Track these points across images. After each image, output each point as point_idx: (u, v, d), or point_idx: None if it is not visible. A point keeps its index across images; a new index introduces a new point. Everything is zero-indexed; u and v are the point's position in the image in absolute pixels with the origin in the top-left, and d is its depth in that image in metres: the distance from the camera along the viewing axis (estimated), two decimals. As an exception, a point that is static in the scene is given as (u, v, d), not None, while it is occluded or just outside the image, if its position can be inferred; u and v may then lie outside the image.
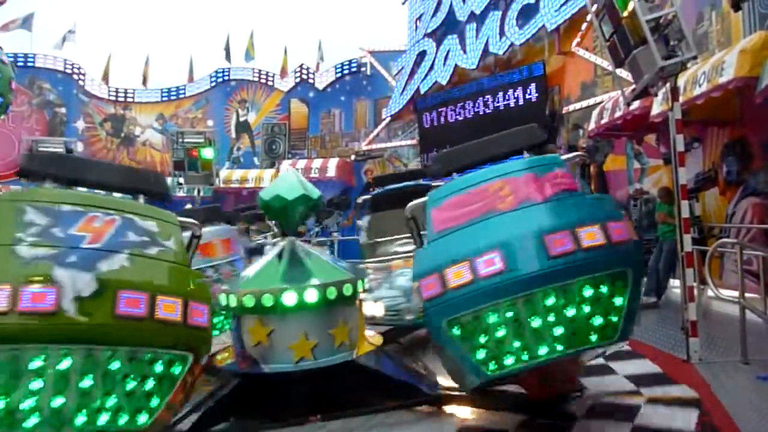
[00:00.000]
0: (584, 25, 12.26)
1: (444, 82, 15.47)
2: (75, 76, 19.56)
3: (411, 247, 4.10)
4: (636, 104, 7.73)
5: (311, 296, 3.53)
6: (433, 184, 5.17)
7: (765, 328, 5.17)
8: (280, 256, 3.85)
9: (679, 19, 4.72)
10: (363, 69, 18.52)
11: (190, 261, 3.11)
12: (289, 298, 3.50)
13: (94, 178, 3.33)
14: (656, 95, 6.15)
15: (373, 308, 5.26)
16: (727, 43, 8.52)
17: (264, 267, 3.85)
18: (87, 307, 2.52)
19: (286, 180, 4.04)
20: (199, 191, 13.53)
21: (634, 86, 5.57)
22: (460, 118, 15.23)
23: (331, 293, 3.56)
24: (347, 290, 3.65)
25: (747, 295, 5.16)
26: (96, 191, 3.29)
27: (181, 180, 13.87)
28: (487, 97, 14.53)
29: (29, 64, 19.09)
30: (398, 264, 5.73)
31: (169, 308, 2.75)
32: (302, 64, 19.44)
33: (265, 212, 4.39)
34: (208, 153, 13.00)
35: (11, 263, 2.50)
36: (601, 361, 4.73)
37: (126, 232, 2.89)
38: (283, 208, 3.93)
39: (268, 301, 3.47)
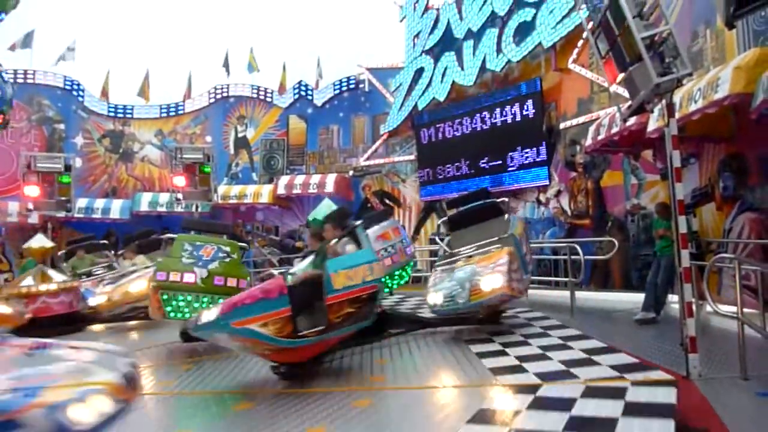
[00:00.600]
0: (580, 42, 12.37)
1: (442, 99, 15.57)
2: (74, 93, 19.65)
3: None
4: (632, 120, 7.79)
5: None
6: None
7: (764, 343, 5.16)
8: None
9: (673, 37, 4.77)
10: (361, 85, 18.62)
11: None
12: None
13: (208, 230, 8.95)
14: (652, 111, 6.21)
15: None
16: (721, 59, 8.60)
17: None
18: (205, 282, 7.36)
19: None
20: (197, 207, 13.53)
21: (630, 102, 5.62)
22: (458, 134, 15.30)
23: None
24: None
25: (745, 310, 5.15)
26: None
27: (180, 196, 13.88)
28: (484, 113, 14.61)
29: (29, 80, 19.19)
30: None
31: (232, 282, 7.49)
32: (301, 81, 19.56)
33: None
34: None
35: (180, 265, 7.40)
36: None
37: (218, 251, 7.71)
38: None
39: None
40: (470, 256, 7.70)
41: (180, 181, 13.01)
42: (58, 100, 19.42)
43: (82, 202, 17.66)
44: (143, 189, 19.38)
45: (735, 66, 6.54)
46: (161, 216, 17.87)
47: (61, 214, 14.26)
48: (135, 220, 17.55)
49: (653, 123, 7.75)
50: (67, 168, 13.43)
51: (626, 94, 5.53)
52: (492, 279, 6.89)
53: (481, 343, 6.74)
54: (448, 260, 8.12)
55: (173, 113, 20.25)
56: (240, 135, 19.73)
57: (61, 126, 19.36)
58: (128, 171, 19.86)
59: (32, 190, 12.91)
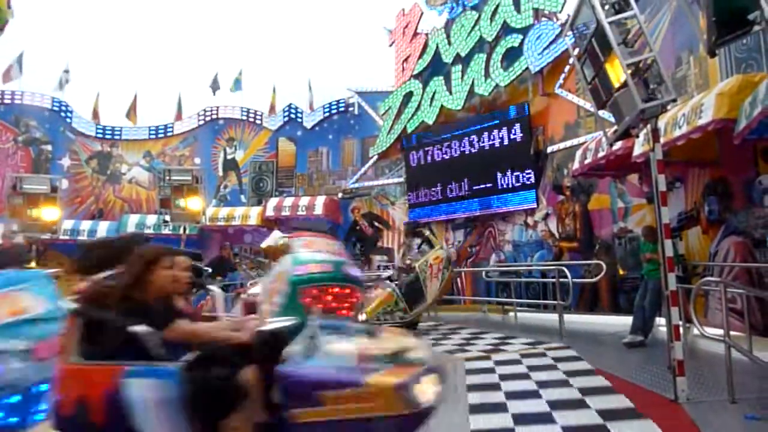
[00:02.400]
0: (567, 68, 12.56)
1: (430, 122, 15.70)
2: (62, 114, 19.58)
3: None
4: (618, 145, 7.88)
5: None
6: None
7: (751, 366, 5.18)
8: None
9: (657, 63, 4.86)
10: (351, 108, 18.75)
11: None
12: None
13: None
14: (638, 136, 6.30)
15: None
16: (705, 86, 8.78)
17: None
18: None
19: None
20: (185, 229, 13.47)
21: (615, 127, 5.70)
22: (447, 157, 15.40)
23: None
24: None
25: (732, 333, 5.18)
26: None
27: (167, 218, 13.82)
28: (472, 136, 14.75)
29: (16, 101, 19.11)
30: None
31: None
32: (291, 104, 19.65)
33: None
34: (194, 204, 13.07)
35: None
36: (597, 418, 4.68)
37: None
38: None
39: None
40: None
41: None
42: (45, 121, 19.34)
43: (68, 224, 17.46)
44: (130, 211, 19.24)
45: (718, 92, 6.67)
46: (148, 238, 17.72)
47: (47, 236, 14.11)
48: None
49: (639, 147, 7.85)
50: (54, 189, 13.36)
51: (612, 119, 5.60)
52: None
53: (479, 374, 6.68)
54: None
55: (162, 135, 20.21)
56: (229, 157, 19.72)
57: (48, 147, 19.25)
58: (115, 193, 19.73)
59: (18, 212, 12.80)
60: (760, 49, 7.75)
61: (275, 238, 8.07)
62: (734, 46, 8.01)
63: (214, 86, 20.48)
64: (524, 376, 6.29)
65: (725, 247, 8.40)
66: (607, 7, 5.04)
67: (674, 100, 5.02)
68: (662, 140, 6.24)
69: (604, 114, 5.97)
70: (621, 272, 10.72)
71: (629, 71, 4.78)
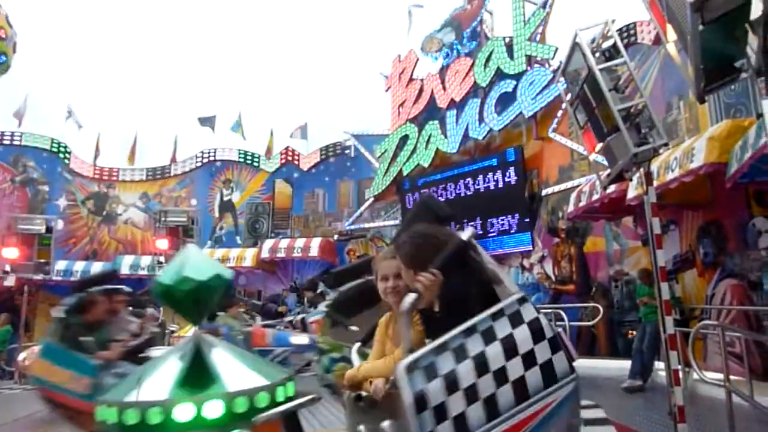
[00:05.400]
0: (560, 112, 12.77)
1: (426, 165, 15.85)
2: (61, 155, 19.70)
3: None
4: (612, 188, 7.95)
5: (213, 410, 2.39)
6: None
7: (752, 411, 5.10)
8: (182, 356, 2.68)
9: (648, 109, 4.96)
10: (347, 151, 18.95)
11: None
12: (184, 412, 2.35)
13: None
14: (631, 179, 6.36)
15: None
16: (695, 130, 8.93)
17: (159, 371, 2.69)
18: None
19: (189, 257, 2.80)
20: (179, 270, 13.37)
21: (609, 171, 5.76)
22: (442, 200, 15.46)
23: (240, 406, 2.42)
24: (262, 401, 2.49)
25: (732, 377, 5.12)
26: None
27: (162, 259, 13.75)
28: (467, 179, 14.87)
29: (15, 142, 19.25)
30: None
31: None
32: (288, 146, 19.86)
33: (162, 299, 2.92)
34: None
35: None
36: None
37: None
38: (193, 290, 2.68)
39: (155, 416, 2.34)
40: None
41: (163, 244, 12.92)
42: (43, 161, 19.45)
43: (61, 265, 17.36)
44: (125, 252, 19.16)
45: (709, 137, 6.79)
46: (142, 279, 17.57)
47: (39, 277, 13.99)
48: (115, 284, 17.18)
49: (632, 191, 7.93)
50: (48, 230, 13.32)
51: (605, 162, 5.67)
52: None
53: None
54: None
55: (159, 176, 20.32)
56: (225, 198, 19.78)
57: (45, 187, 19.30)
58: (110, 233, 19.69)
59: (11, 252, 12.71)
60: (748, 95, 7.92)
61: None
62: (723, 92, 8.19)
63: (210, 124, 20.65)
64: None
65: (722, 290, 8.39)
66: (597, 54, 5.17)
67: (666, 145, 5.09)
68: (655, 183, 6.31)
69: (598, 157, 6.05)
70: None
71: (621, 116, 4.87)
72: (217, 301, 2.93)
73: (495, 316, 1.95)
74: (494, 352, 1.89)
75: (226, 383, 2.47)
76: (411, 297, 2.08)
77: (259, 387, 2.50)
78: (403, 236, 2.51)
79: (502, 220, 13.85)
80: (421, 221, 2.70)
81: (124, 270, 17.79)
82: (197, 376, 2.53)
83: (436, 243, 2.30)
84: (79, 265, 17.95)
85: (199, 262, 2.78)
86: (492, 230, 14.03)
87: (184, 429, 2.32)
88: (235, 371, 2.62)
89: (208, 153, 20.28)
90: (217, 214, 19.64)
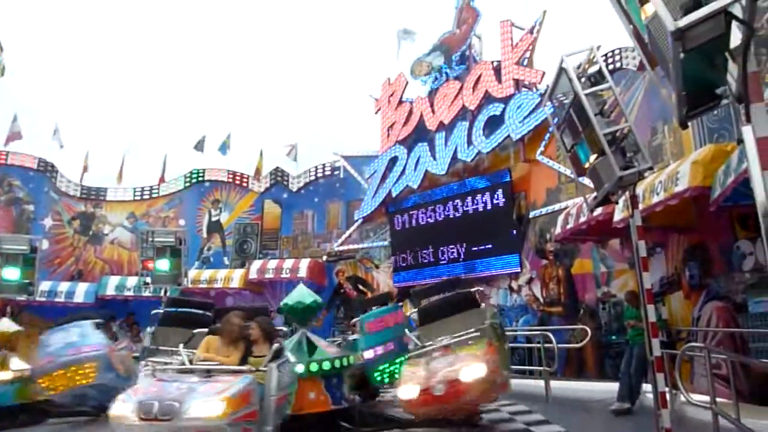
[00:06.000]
0: (547, 135, 12.94)
1: (415, 186, 15.92)
2: (47, 174, 19.56)
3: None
4: (599, 210, 8.03)
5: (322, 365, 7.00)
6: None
7: (739, 434, 5.10)
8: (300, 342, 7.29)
9: (633, 133, 5.04)
10: (336, 172, 18.99)
11: None
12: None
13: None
14: (617, 203, 6.43)
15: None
16: (680, 154, 9.07)
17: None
18: None
19: (301, 290, 7.81)
20: (166, 291, 13.25)
21: (596, 193, 5.83)
22: (431, 221, 15.54)
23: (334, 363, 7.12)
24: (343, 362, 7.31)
25: (718, 399, 5.14)
26: None
27: (148, 279, 13.61)
28: (456, 201, 14.95)
29: (0, 160, 19.07)
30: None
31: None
32: (277, 167, 19.87)
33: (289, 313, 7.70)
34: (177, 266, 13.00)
35: None
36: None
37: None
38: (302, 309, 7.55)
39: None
40: (447, 347, 6.91)
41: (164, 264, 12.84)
42: (30, 180, 19.28)
43: (45, 285, 17.11)
44: (111, 272, 18.96)
45: (693, 161, 6.90)
46: (128, 300, 17.38)
47: (23, 297, 13.77)
48: (100, 304, 17.00)
49: (619, 213, 8.01)
50: (33, 250, 13.13)
51: (592, 185, 5.74)
52: (473, 369, 6.13)
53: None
54: (420, 353, 7.26)
55: (147, 196, 20.21)
56: (214, 219, 19.69)
57: (31, 207, 19.10)
58: (96, 253, 19.48)
59: (11, 273, 12.52)
60: (730, 120, 8.08)
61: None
62: (706, 117, 8.35)
63: (200, 147, 20.67)
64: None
65: (708, 312, 8.45)
66: (583, 79, 5.26)
67: (651, 168, 5.17)
68: (641, 206, 6.39)
69: (585, 180, 6.12)
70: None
71: (606, 140, 4.94)
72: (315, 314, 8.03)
73: None
74: None
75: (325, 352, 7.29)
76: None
77: (339, 355, 7.38)
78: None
79: (491, 241, 13.91)
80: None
81: (110, 291, 17.59)
82: (311, 349, 7.21)
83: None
84: (63, 286, 17.72)
85: (305, 293, 7.76)
86: (480, 252, 14.07)
87: (311, 373, 6.81)
88: (326, 347, 7.56)
89: (197, 173, 20.23)
90: (205, 235, 19.52)
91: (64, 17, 39.09)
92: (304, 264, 17.03)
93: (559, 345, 9.67)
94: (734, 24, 2.49)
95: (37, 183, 19.35)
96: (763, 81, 7.35)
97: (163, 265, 12.93)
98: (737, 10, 2.46)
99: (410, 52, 17.39)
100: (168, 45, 43.28)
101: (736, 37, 2.57)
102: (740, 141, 2.72)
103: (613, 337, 9.65)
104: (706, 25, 2.46)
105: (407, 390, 6.52)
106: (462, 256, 14.55)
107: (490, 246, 13.91)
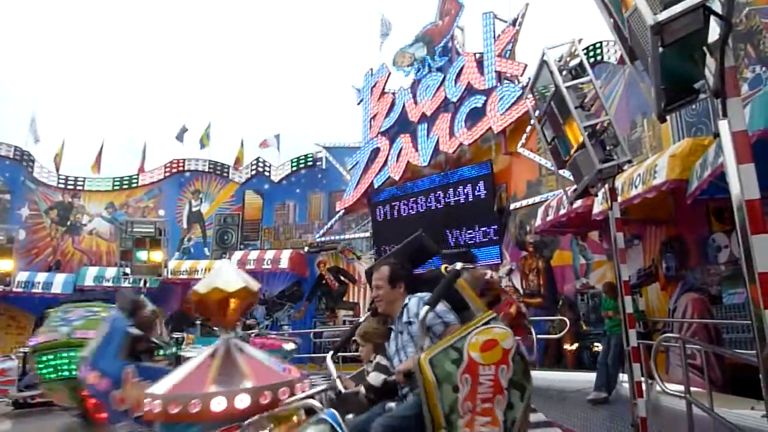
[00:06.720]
0: (528, 128, 13.00)
1: (397, 178, 15.93)
2: (24, 163, 19.20)
3: None
4: (578, 203, 8.11)
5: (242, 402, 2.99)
6: None
7: (712, 423, 5.22)
8: (212, 355, 3.31)
9: (613, 126, 5.08)
10: (318, 163, 18.92)
11: None
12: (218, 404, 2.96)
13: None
14: (596, 195, 6.49)
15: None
16: (658, 147, 9.19)
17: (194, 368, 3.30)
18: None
19: (225, 272, 3.55)
20: (145, 282, 13.13)
21: (575, 186, 5.88)
22: (413, 213, 15.56)
23: (265, 398, 3.05)
24: (283, 394, 3.13)
25: (693, 389, 5.24)
26: None
27: (128, 270, 13.48)
28: (438, 192, 14.99)
29: (-25, 150, 18.71)
30: None
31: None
32: (259, 157, 19.73)
33: (198, 308, 3.63)
34: (157, 256, 12.88)
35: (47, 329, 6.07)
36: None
37: (86, 312, 7.54)
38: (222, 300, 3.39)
39: (195, 407, 2.95)
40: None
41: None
42: (5, 170, 18.93)
43: (22, 276, 16.86)
44: (89, 263, 18.71)
45: (670, 154, 6.99)
46: (107, 290, 17.18)
47: (-1, 288, 13.56)
48: (78, 296, 16.78)
49: (598, 206, 8.09)
50: (10, 240, 12.93)
51: (572, 177, 5.79)
52: None
53: None
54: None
55: (126, 186, 19.95)
56: (194, 209, 19.52)
57: (7, 197, 18.76)
58: (75, 244, 19.21)
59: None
60: (708, 114, 8.20)
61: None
62: (684, 112, 8.46)
63: (181, 137, 20.47)
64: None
65: (683, 304, 8.60)
66: (564, 72, 5.28)
67: (630, 161, 5.22)
68: (620, 199, 6.46)
69: (565, 173, 6.17)
70: (584, 327, 10.82)
71: (586, 133, 4.98)
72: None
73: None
74: None
75: (253, 379, 3.12)
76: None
77: (280, 383, 3.15)
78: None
79: (471, 233, 13.98)
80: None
81: (89, 281, 17.38)
82: (229, 373, 3.17)
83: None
84: (41, 277, 17.46)
85: (230, 276, 3.49)
86: (461, 243, 14.14)
87: (218, 418, 2.90)
88: (260, 370, 3.26)
89: (177, 163, 20.00)
90: (185, 225, 19.35)
91: (43, 6, 38.28)
92: (286, 255, 16.99)
93: (539, 336, 9.77)
94: (712, 19, 2.51)
95: (13, 172, 19.00)
96: (741, 76, 7.47)
97: (143, 255, 12.81)
98: (716, 6, 2.49)
99: (393, 43, 17.36)
100: (148, 34, 42.63)
101: (714, 32, 2.60)
102: (717, 135, 2.76)
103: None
104: (684, 20, 2.49)
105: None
106: (443, 247, 14.59)
107: (471, 237, 13.99)
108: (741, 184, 2.49)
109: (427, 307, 2.77)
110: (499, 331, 2.74)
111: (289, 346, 11.23)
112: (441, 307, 2.97)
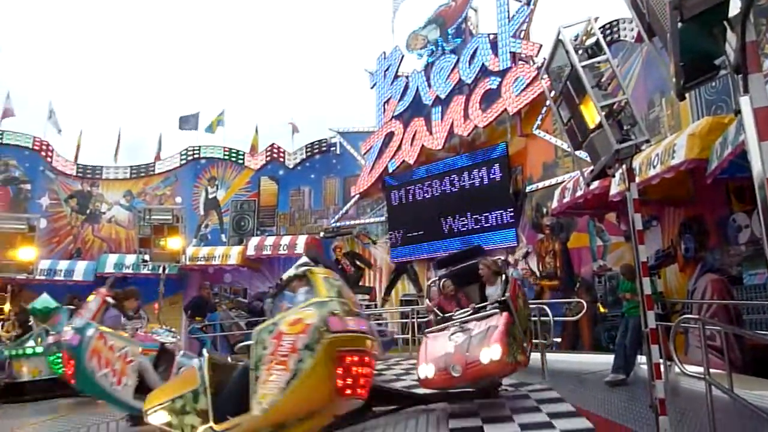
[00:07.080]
0: (544, 109, 12.87)
1: (411, 162, 15.87)
2: (43, 153, 19.43)
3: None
4: (595, 184, 8.03)
5: None
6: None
7: (732, 404, 5.18)
8: None
9: (630, 106, 5.01)
10: (333, 148, 18.90)
11: None
12: None
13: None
14: (614, 176, 6.42)
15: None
16: (677, 126, 9.04)
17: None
18: None
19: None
20: (164, 268, 13.29)
21: (592, 167, 5.82)
22: (428, 196, 15.52)
23: None
24: None
25: (712, 370, 5.20)
26: None
27: (147, 257, 13.65)
28: (453, 176, 14.92)
29: (-5, 140, 18.94)
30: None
31: None
32: (273, 143, 19.76)
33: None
34: (175, 243, 13.02)
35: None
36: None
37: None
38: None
39: None
40: (465, 323, 6.86)
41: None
42: (25, 160, 19.16)
43: (44, 264, 17.14)
44: (109, 250, 18.97)
45: (689, 133, 6.88)
46: (127, 278, 17.43)
47: (22, 276, 13.81)
48: (99, 282, 17.04)
49: (615, 187, 8.01)
50: (32, 229, 13.14)
51: (589, 159, 5.72)
52: (491, 351, 6.14)
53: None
54: (440, 327, 7.15)
55: (143, 174, 20.12)
56: (210, 196, 19.64)
57: (27, 186, 19.03)
58: (94, 232, 19.46)
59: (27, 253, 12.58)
60: (728, 92, 8.03)
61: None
62: (704, 89, 8.29)
63: (191, 123, 20.52)
64: (508, 419, 6.21)
65: (703, 285, 8.51)
66: (580, 51, 5.20)
67: (648, 141, 5.15)
68: (637, 180, 6.38)
69: (581, 154, 6.10)
70: (602, 310, 10.77)
71: (603, 113, 4.91)
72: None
73: None
74: None
75: None
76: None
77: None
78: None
79: (487, 216, 13.92)
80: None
81: (109, 269, 17.60)
82: None
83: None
84: (62, 265, 17.75)
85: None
86: (477, 226, 14.10)
87: None
88: None
89: (193, 150, 20.11)
90: (202, 212, 19.49)
91: (54, -8, 38.49)
92: (302, 240, 17.07)
93: (556, 318, 9.74)
94: (733, -7, 2.45)
95: (32, 162, 19.24)
96: (762, 51, 7.30)
97: (161, 242, 12.96)
98: (736, -21, 2.43)
99: (406, 26, 17.19)
100: (162, 22, 42.72)
101: (735, 6, 2.54)
102: (738, 112, 2.70)
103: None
104: (704, -6, 2.43)
105: (424, 369, 6.58)
106: (459, 231, 14.58)
107: (486, 220, 13.94)
108: (763, 161, 2.44)
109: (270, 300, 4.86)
110: (307, 312, 4.41)
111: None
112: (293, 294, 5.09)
